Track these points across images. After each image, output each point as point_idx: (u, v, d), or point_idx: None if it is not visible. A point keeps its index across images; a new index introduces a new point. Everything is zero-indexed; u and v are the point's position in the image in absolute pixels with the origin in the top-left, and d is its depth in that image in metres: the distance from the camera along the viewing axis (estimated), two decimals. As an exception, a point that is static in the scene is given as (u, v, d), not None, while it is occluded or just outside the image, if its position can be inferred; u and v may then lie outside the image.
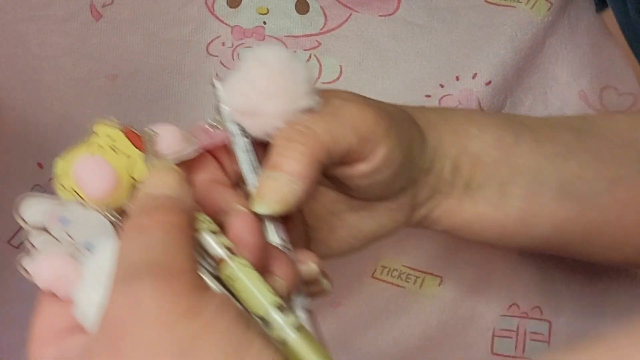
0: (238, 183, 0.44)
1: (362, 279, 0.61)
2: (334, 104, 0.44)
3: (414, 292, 0.61)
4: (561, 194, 0.49)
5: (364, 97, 0.46)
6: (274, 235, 0.42)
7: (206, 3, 0.63)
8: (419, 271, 0.62)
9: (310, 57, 0.63)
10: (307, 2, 0.63)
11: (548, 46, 0.63)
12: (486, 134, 0.49)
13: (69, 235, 0.39)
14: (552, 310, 0.61)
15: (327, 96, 0.44)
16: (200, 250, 0.38)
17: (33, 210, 0.39)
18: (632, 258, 0.52)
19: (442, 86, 0.61)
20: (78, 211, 0.39)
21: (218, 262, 0.38)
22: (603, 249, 0.52)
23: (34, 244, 0.39)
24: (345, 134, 0.43)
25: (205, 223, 0.38)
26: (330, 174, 0.45)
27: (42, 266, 0.38)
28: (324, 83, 0.62)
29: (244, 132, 0.44)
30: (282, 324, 0.36)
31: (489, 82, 0.61)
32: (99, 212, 0.39)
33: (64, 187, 0.40)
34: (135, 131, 0.42)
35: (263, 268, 0.39)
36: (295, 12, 0.63)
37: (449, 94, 0.61)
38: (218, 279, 0.37)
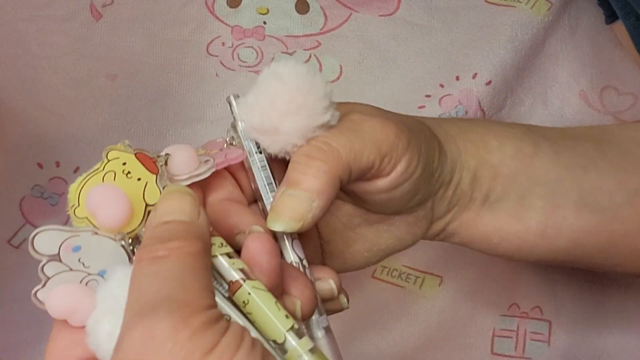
0: (255, 200, 0.44)
1: (362, 279, 0.61)
2: (354, 119, 0.43)
3: (414, 292, 0.61)
4: (581, 205, 0.48)
5: (384, 111, 0.45)
6: (291, 253, 0.42)
7: (206, 3, 0.63)
8: (419, 271, 0.61)
9: (310, 57, 0.63)
10: (307, 2, 0.63)
11: (548, 46, 0.63)
12: (505, 145, 0.48)
13: (83, 264, 0.38)
14: (552, 310, 0.61)
15: (346, 110, 0.43)
16: (215, 273, 0.37)
17: (47, 240, 0.38)
18: None
19: (442, 86, 0.61)
20: (92, 240, 0.38)
21: (233, 285, 0.37)
22: (624, 260, 0.50)
23: (48, 274, 0.38)
24: (366, 150, 0.42)
25: (219, 247, 0.38)
26: (348, 189, 0.44)
27: (56, 296, 0.38)
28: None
29: (259, 149, 0.43)
30: (297, 348, 0.36)
31: (489, 82, 0.61)
32: (113, 240, 0.38)
33: (77, 215, 0.39)
34: (148, 154, 0.41)
35: (280, 289, 0.38)
36: (295, 12, 0.63)
37: (449, 94, 0.61)
38: (233, 301, 0.37)
